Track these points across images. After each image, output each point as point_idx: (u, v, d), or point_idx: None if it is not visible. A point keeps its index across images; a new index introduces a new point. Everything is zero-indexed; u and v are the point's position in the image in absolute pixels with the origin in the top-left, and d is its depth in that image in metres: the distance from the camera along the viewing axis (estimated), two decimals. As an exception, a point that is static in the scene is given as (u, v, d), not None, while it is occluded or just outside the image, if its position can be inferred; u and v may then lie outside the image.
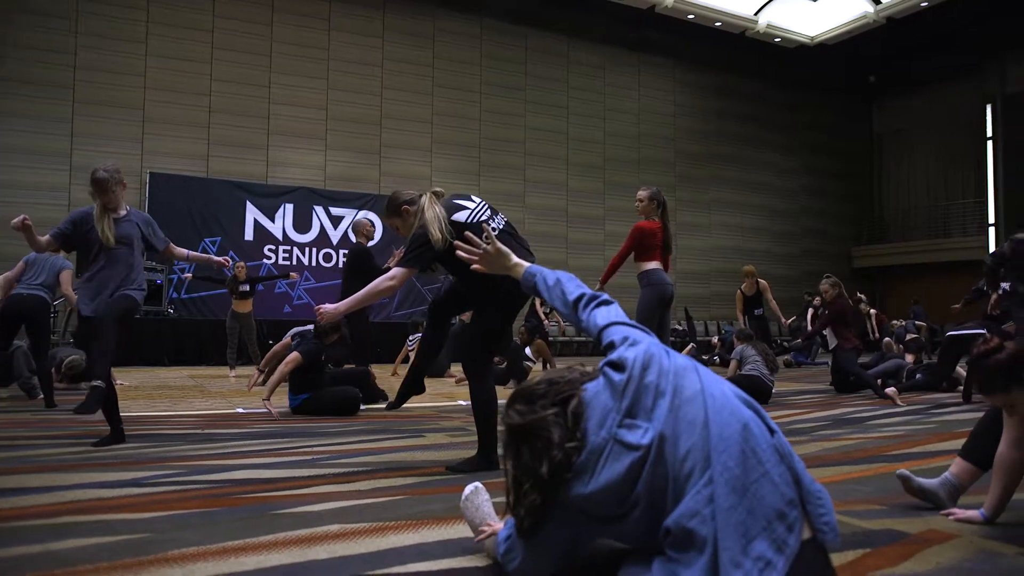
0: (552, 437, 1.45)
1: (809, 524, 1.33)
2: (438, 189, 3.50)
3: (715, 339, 14.79)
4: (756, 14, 17.88)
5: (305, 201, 14.62)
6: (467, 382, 3.57)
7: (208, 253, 10.75)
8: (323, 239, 14.77)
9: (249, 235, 14.12)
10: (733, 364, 6.95)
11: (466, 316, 7.37)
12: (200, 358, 11.72)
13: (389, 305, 14.79)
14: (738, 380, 6.75)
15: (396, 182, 15.62)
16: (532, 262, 3.39)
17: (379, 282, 3.31)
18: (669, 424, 1.38)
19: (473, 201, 3.48)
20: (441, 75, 16.42)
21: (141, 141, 13.67)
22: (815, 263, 20.54)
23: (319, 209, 14.76)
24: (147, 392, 7.04)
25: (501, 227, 3.49)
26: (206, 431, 4.52)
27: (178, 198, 13.51)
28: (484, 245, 2.35)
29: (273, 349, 6.37)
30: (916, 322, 13.38)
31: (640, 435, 1.40)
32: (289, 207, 14.46)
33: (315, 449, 3.90)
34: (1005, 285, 7.37)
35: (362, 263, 7.19)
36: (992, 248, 18.28)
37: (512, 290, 3.43)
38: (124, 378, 8.07)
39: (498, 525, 1.88)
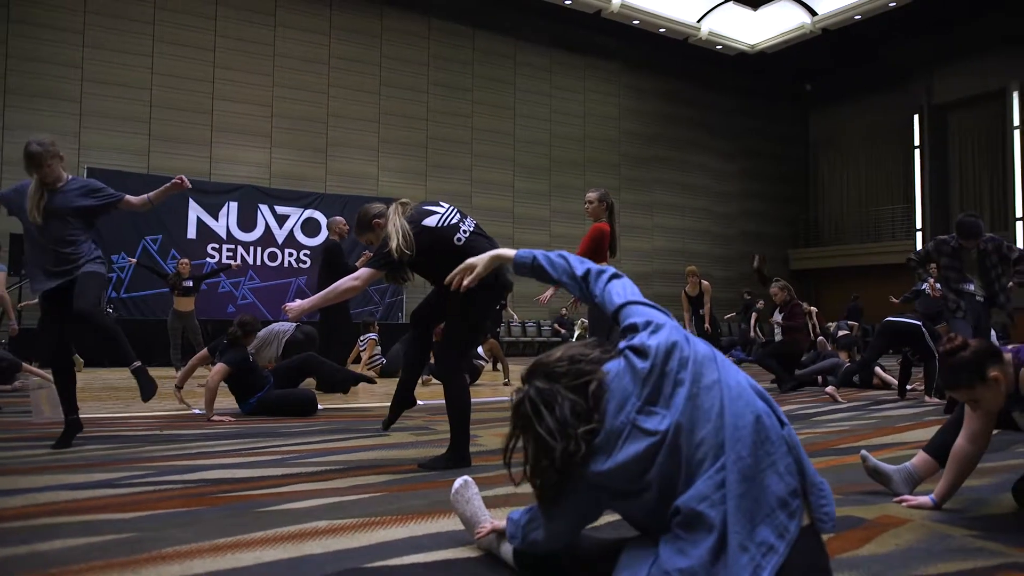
0: (570, 419, 1.50)
1: (808, 512, 1.43)
2: (406, 200, 3.55)
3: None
4: (699, 21, 18.32)
5: (250, 199, 14.38)
6: (433, 383, 3.63)
7: (149, 252, 10.58)
8: (268, 238, 14.55)
9: (192, 233, 13.82)
10: None
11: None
12: (141, 359, 11.41)
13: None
14: None
15: (343, 181, 15.55)
16: None
17: (343, 282, 3.36)
18: (687, 412, 1.46)
19: (442, 207, 3.55)
20: (388, 74, 16.36)
21: (78, 135, 13.28)
22: (752, 265, 21.13)
23: (264, 208, 14.53)
24: (94, 393, 6.88)
25: (471, 229, 3.57)
26: (166, 432, 4.47)
27: (117, 194, 13.14)
28: (458, 271, 2.30)
29: (190, 363, 6.03)
30: (848, 321, 13.90)
31: (658, 422, 1.47)
32: (233, 205, 14.20)
33: (282, 449, 3.91)
34: (924, 285, 7.75)
35: (333, 259, 7.24)
36: (919, 252, 19.13)
37: (487, 287, 3.50)
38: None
39: (499, 523, 1.95)
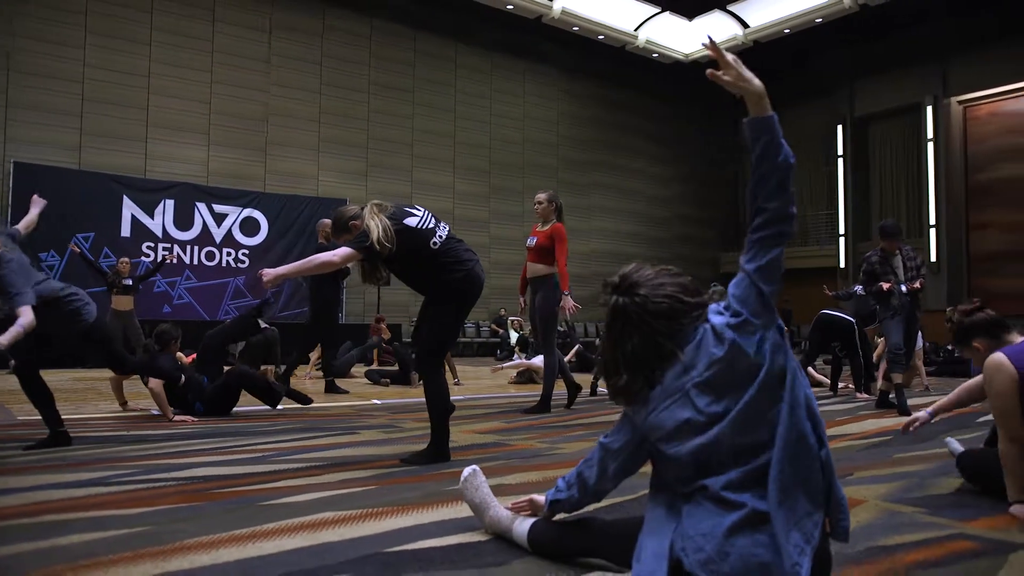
0: (665, 345, 1.66)
1: (828, 524, 1.60)
2: (379, 201, 3.67)
3: (597, 341, 15.46)
4: (636, 30, 18.79)
5: (187, 197, 14.12)
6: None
7: (80, 249, 10.29)
8: (206, 237, 14.30)
9: (126, 231, 13.49)
10: None
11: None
12: (79, 360, 11.11)
13: (275, 304, 14.51)
14: None
15: (282, 180, 15.39)
16: (473, 263, 3.66)
17: (321, 255, 3.49)
18: (744, 413, 1.58)
19: (419, 211, 3.70)
20: (329, 73, 16.26)
21: (4, 128, 12.80)
22: (686, 267, 21.23)
23: (201, 206, 14.28)
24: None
25: (445, 235, 3.71)
26: (133, 432, 4.46)
27: (47, 191, 12.64)
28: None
29: (114, 379, 5.81)
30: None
31: (707, 403, 1.61)
32: (170, 203, 13.92)
33: (258, 447, 3.97)
34: (858, 287, 8.24)
35: None
36: (842, 258, 20.05)
37: (462, 287, 3.66)
38: (2, 382, 7.63)
39: (539, 497, 2.10)
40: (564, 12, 17.53)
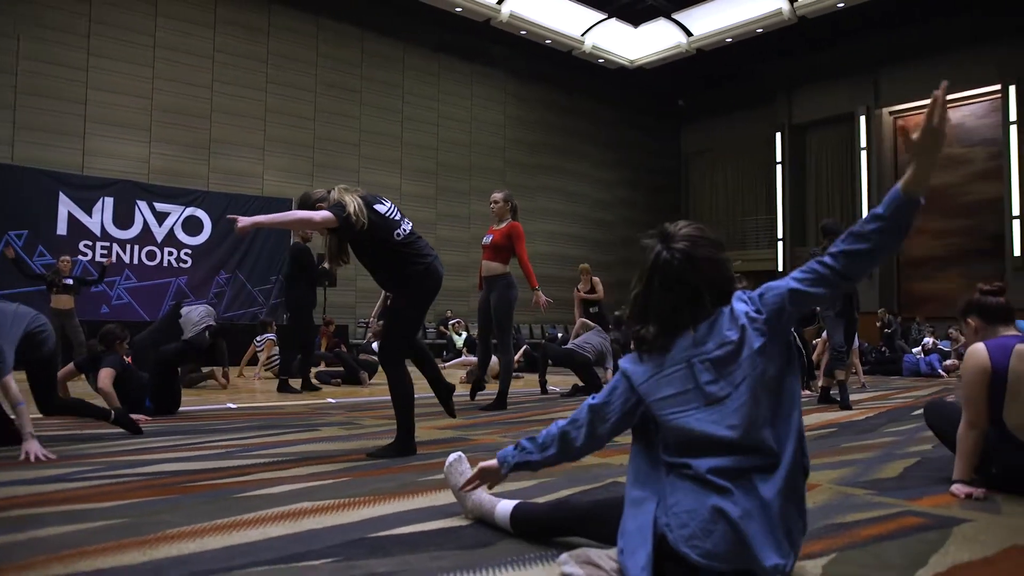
0: (704, 298, 1.74)
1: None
2: (346, 185, 3.70)
3: (543, 341, 15.63)
4: (583, 35, 19.03)
5: (127, 195, 13.72)
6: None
7: (13, 248, 9.97)
8: (147, 236, 13.93)
9: (62, 229, 13.05)
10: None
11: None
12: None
13: (218, 304, 14.26)
14: (557, 352, 7.67)
15: (226, 179, 15.13)
16: (433, 257, 3.73)
17: (301, 212, 3.49)
18: (744, 399, 1.69)
19: (386, 202, 3.76)
20: (275, 71, 16.05)
21: (-68, 121, 12.29)
22: (629, 271, 22.01)
23: (142, 204, 13.91)
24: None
25: (409, 230, 3.78)
26: (86, 431, 4.38)
27: (-22, 186, 12.26)
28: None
29: (59, 377, 5.70)
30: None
31: (713, 386, 1.71)
32: (109, 201, 13.52)
33: (220, 444, 3.95)
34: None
35: (303, 262, 7.32)
36: (780, 261, 20.66)
37: (422, 281, 3.72)
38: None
39: (490, 463, 2.10)
40: (512, 16, 17.66)
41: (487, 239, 6.18)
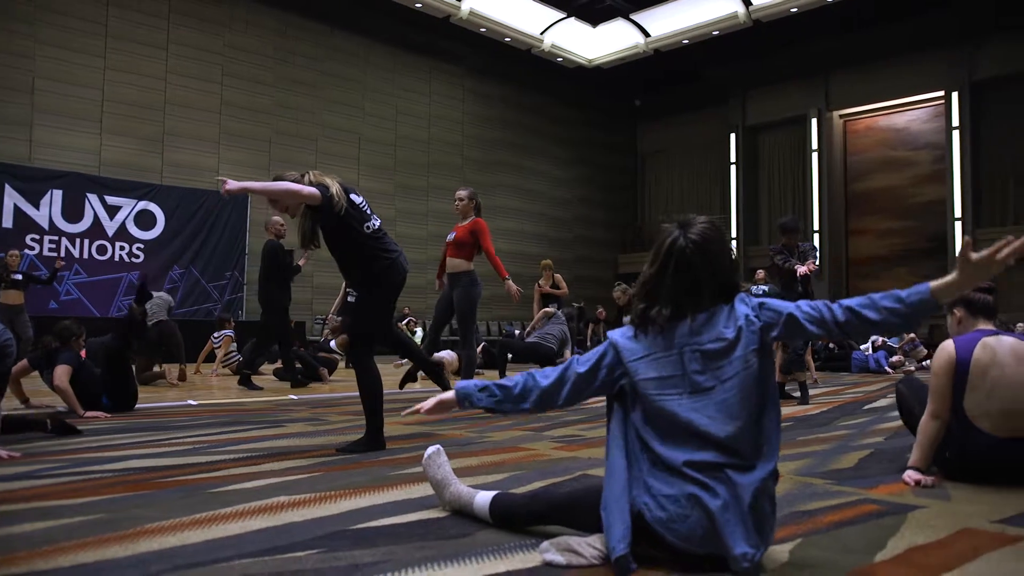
0: (705, 290, 1.84)
1: None
2: (318, 171, 3.72)
3: (502, 337, 15.72)
4: (542, 34, 19.14)
5: (77, 188, 13.41)
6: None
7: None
8: (97, 230, 13.63)
9: (8, 222, 12.69)
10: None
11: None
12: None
13: (173, 307, 13.99)
14: (520, 346, 7.78)
15: (180, 172, 14.87)
16: (399, 253, 3.76)
17: (291, 184, 3.46)
18: (724, 399, 1.78)
19: (360, 195, 3.79)
20: (232, 64, 15.80)
21: None
22: (586, 268, 22.40)
23: (93, 197, 13.61)
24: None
25: (377, 226, 3.80)
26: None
27: (-80, 177, 11.85)
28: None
29: (13, 374, 5.57)
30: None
31: (700, 376, 1.80)
32: (57, 193, 13.19)
33: (187, 440, 3.92)
34: (755, 288, 8.82)
35: (277, 259, 7.29)
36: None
37: (388, 276, 3.75)
38: None
39: (446, 395, 2.10)
40: (472, 13, 17.67)
41: (451, 236, 6.22)
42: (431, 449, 2.41)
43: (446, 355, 9.68)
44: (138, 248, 14.09)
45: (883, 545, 2.04)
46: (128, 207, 13.96)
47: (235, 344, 9.57)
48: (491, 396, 2.02)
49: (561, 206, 22.54)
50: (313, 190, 3.45)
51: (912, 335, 13.42)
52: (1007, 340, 2.85)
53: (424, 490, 2.66)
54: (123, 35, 14.29)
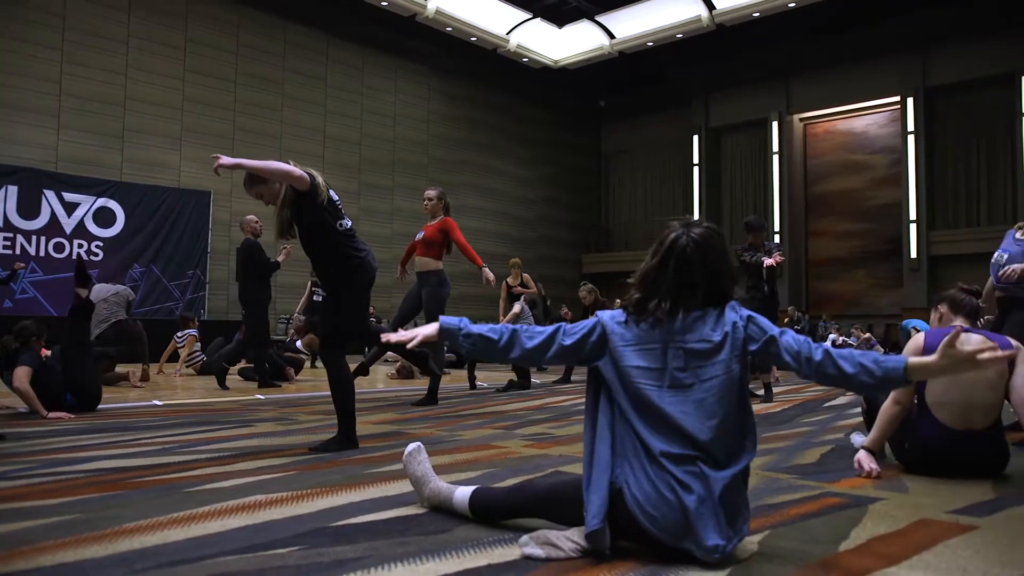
0: (699, 290, 1.92)
1: None
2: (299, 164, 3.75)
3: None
4: (508, 34, 19.19)
5: (33, 184, 13.13)
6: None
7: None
8: (54, 227, 13.36)
9: (-40, 219, 12.40)
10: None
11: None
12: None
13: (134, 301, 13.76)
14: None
15: (140, 169, 14.62)
16: (368, 252, 3.81)
17: (283, 165, 3.52)
18: (700, 399, 1.87)
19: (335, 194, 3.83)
20: (193, 59, 15.57)
21: None
22: (550, 267, 22.47)
23: (50, 194, 13.33)
24: None
25: (349, 226, 3.83)
26: (10, 431, 4.23)
27: None
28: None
29: None
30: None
31: (681, 373, 1.87)
32: (13, 189, 12.90)
33: (157, 440, 3.89)
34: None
35: (253, 257, 7.25)
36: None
37: (359, 274, 3.77)
38: None
39: (429, 329, 2.10)
40: (438, 12, 17.65)
41: (420, 235, 6.26)
42: (411, 446, 2.44)
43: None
44: (97, 246, 13.84)
45: (846, 536, 2.13)
46: (87, 204, 13.71)
47: (199, 344, 9.45)
48: (472, 344, 2.04)
49: (525, 206, 22.62)
50: (303, 173, 3.52)
51: (868, 335, 13.78)
52: (975, 337, 2.96)
53: (400, 487, 2.69)
54: (82, 28, 14.01)
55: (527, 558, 1.87)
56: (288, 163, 3.61)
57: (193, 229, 14.98)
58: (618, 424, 1.91)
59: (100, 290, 7.92)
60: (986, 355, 1.74)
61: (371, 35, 18.49)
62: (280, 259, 7.40)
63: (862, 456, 3.01)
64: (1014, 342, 3.04)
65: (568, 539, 1.90)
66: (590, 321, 2.01)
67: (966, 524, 2.28)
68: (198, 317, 12.30)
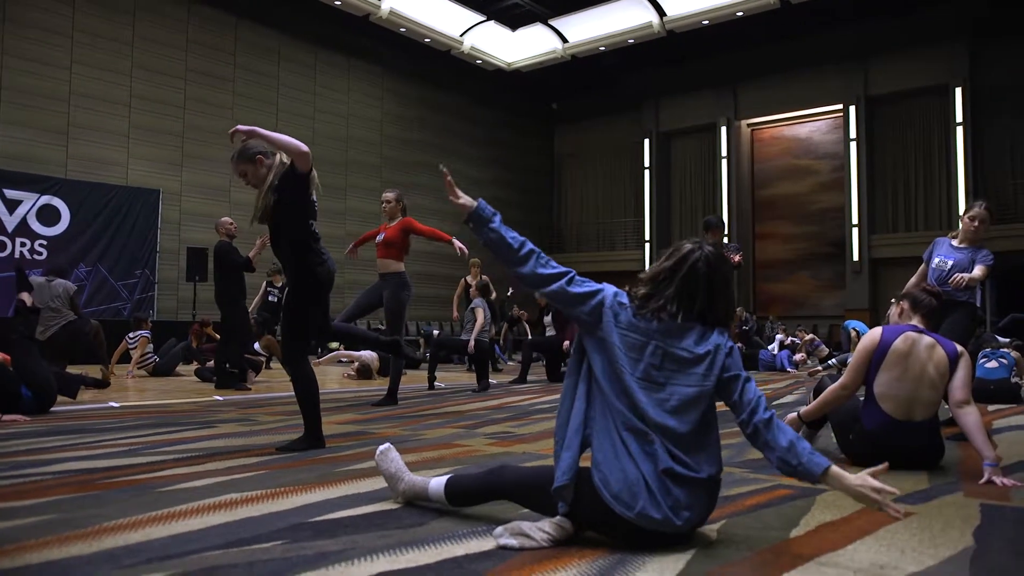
0: (695, 305, 2.07)
1: None
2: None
3: (420, 341, 15.79)
4: (462, 36, 19.26)
5: (-28, 181, 12.75)
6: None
7: None
8: (-5, 225, 13.00)
9: None
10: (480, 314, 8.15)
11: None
12: None
13: (78, 299, 13.45)
14: (457, 343, 8.08)
15: (86, 166, 14.30)
16: (329, 256, 3.90)
17: (295, 141, 3.62)
18: (670, 391, 2.04)
19: None
20: (142, 55, 15.27)
21: None
22: (503, 269, 22.56)
23: (-9, 191, 12.96)
24: None
25: (316, 229, 3.90)
26: (-36, 433, 4.18)
27: None
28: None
29: None
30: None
31: (654, 372, 2.03)
32: (-49, 186, 12.51)
33: (120, 442, 3.89)
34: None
35: (227, 258, 7.32)
36: (647, 261, 21.67)
37: (322, 277, 3.84)
38: None
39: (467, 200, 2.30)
40: (392, 13, 17.63)
41: (380, 237, 6.32)
42: (382, 446, 2.53)
43: (366, 354, 9.73)
44: (40, 245, 13.50)
45: (797, 523, 2.29)
46: (29, 201, 13.35)
47: (151, 345, 9.33)
48: (495, 240, 2.23)
49: (479, 207, 22.66)
50: (307, 150, 3.62)
51: (812, 335, 14.20)
52: (927, 339, 3.26)
53: (372, 484, 2.78)
54: (24, 20, 13.63)
55: (502, 548, 1.97)
56: (279, 154, 3.72)
57: (141, 228, 14.71)
58: (595, 395, 2.06)
59: (39, 289, 7.68)
60: (890, 509, 1.89)
61: (324, 34, 18.38)
62: (252, 254, 7.50)
63: (789, 418, 3.35)
64: (959, 347, 3.28)
65: (540, 530, 2.01)
66: (597, 286, 2.15)
67: (905, 511, 2.45)
68: (149, 318, 12.11)
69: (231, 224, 7.67)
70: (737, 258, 6.66)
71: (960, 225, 4.84)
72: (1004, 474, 3.02)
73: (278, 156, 3.72)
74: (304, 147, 3.61)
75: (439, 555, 1.92)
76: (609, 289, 2.14)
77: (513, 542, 1.99)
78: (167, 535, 2.09)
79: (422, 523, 2.24)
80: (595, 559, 1.89)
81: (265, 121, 17.12)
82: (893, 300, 3.62)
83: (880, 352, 3.23)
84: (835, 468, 1.93)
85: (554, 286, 2.14)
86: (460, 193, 2.29)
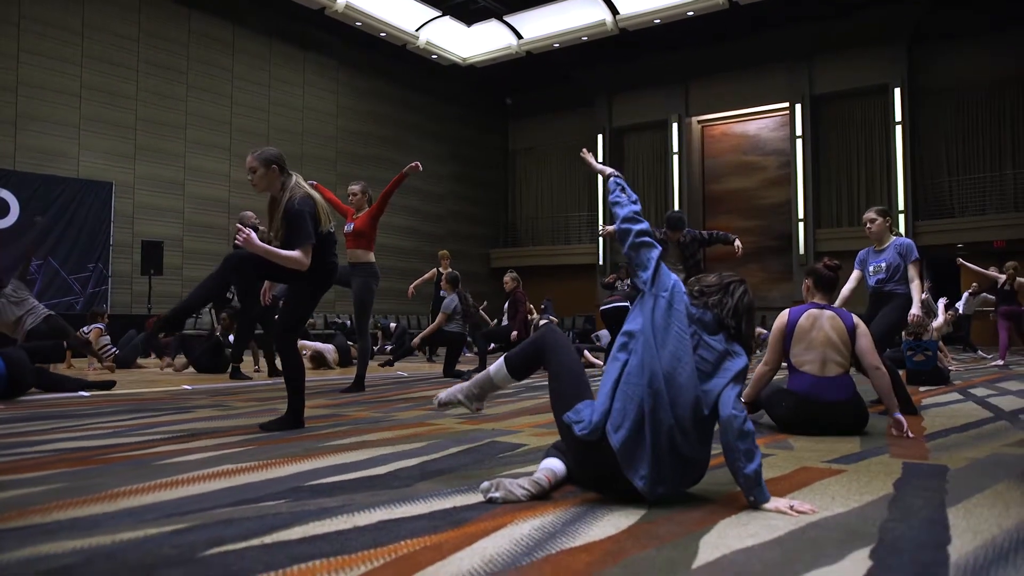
0: (726, 328, 2.39)
1: None
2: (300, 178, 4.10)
3: (378, 334, 15.92)
4: (417, 31, 19.38)
5: (-83, 172, 12.49)
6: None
7: None
8: (-58, 218, 12.75)
9: None
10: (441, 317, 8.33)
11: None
12: None
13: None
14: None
15: (36, 158, 14.10)
16: (336, 258, 4.09)
17: (295, 254, 3.71)
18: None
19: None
20: (92, 45, 15.07)
21: None
22: (459, 263, 22.63)
23: (-64, 182, 12.70)
24: None
25: (331, 229, 4.09)
26: (-57, 419, 4.26)
27: None
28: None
29: None
30: (550, 316, 15.85)
31: (662, 350, 2.30)
32: None
33: (104, 426, 4.02)
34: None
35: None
36: (601, 255, 22.09)
37: (331, 274, 4.04)
38: None
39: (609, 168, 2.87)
40: (347, 7, 17.67)
41: (348, 227, 6.49)
42: (441, 394, 2.87)
43: (317, 345, 9.90)
44: (-11, 237, 13.26)
45: (743, 479, 2.58)
46: (-23, 194, 13.12)
47: (108, 337, 9.31)
48: (615, 196, 2.69)
49: (433, 201, 22.83)
50: (303, 259, 3.72)
51: (761, 328, 14.73)
52: (827, 312, 3.87)
53: (356, 456, 3.00)
54: (-30, 10, 13.37)
55: (488, 500, 2.22)
56: (294, 175, 4.00)
57: (94, 221, 14.55)
58: (631, 367, 2.31)
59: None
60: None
61: (279, 26, 18.33)
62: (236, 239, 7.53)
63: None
64: (855, 318, 3.87)
65: (520, 487, 2.26)
66: (658, 256, 2.47)
67: (837, 469, 2.78)
68: (105, 312, 12.01)
69: (253, 217, 7.73)
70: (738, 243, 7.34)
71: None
72: (926, 440, 3.38)
73: (294, 178, 3.90)
74: (298, 258, 3.72)
75: (430, 508, 2.16)
76: (678, 279, 2.46)
77: (497, 495, 2.24)
78: (177, 497, 2.28)
79: (409, 485, 2.47)
80: (567, 508, 2.15)
81: (220, 113, 17.10)
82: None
83: (789, 331, 3.85)
84: (766, 503, 2.20)
85: (636, 229, 2.54)
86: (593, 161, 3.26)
